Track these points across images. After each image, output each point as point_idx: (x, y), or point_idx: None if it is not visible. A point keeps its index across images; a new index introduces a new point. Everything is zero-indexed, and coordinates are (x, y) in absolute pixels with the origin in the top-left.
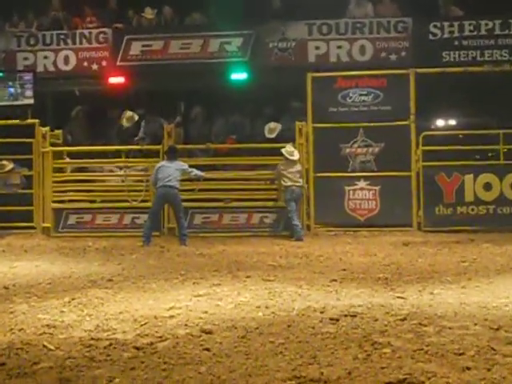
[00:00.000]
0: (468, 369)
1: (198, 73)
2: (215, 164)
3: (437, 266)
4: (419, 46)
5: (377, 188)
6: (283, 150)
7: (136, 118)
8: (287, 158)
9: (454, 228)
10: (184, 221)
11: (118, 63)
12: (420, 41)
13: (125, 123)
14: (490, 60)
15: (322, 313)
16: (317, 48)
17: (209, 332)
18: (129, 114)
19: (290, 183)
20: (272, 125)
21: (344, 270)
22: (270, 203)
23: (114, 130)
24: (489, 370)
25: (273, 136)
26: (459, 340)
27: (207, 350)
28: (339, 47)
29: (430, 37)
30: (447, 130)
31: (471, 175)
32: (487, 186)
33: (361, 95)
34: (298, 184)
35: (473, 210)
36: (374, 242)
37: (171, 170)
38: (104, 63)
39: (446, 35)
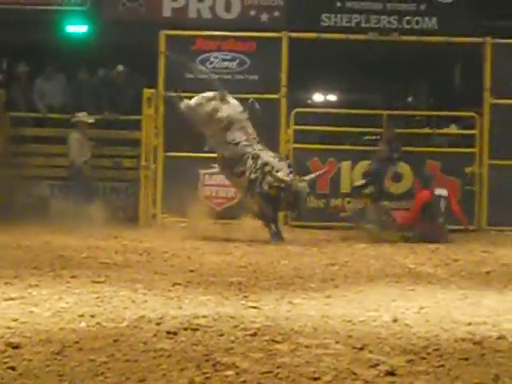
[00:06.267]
0: None
1: (25, 22)
2: None
3: (302, 269)
4: (295, 5)
5: None
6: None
7: None
8: None
9: (326, 224)
10: None
11: None
12: None
13: None
14: (377, 27)
15: (158, 324)
16: (173, 0)
17: (16, 346)
18: None
19: None
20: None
21: (191, 271)
22: None
23: None
24: None
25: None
26: (316, 361)
27: (12, 368)
28: (200, 1)
29: None
30: (325, 107)
31: (349, 162)
32: None
33: (224, 60)
34: None
35: (349, 202)
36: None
37: None
38: None
39: None
